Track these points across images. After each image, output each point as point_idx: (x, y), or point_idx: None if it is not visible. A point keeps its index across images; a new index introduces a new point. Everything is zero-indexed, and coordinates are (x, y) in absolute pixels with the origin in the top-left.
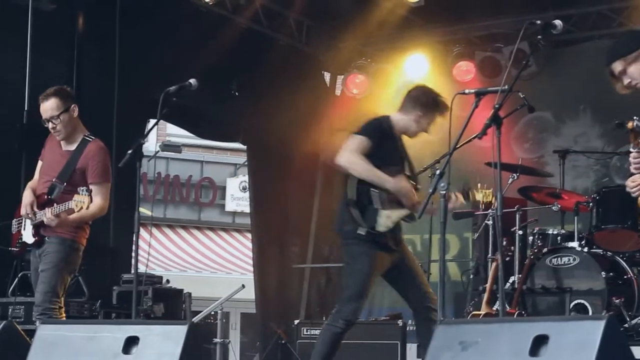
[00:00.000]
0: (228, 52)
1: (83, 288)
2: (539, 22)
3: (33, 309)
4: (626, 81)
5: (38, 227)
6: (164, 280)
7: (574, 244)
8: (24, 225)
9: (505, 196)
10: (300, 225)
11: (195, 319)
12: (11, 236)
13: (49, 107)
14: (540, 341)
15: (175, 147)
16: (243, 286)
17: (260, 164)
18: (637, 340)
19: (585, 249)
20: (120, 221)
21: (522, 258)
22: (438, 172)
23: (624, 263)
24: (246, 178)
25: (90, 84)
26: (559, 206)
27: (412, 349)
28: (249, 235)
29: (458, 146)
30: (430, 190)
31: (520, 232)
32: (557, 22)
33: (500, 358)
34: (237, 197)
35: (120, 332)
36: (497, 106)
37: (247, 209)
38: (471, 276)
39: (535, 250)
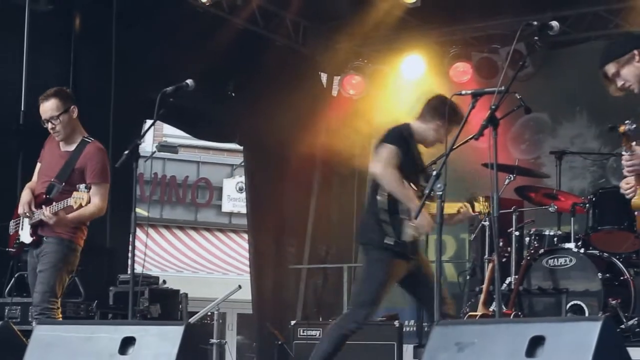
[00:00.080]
0: (225, 53)
1: (79, 288)
2: (535, 23)
3: (31, 309)
4: (619, 83)
5: (36, 227)
6: (161, 281)
7: (571, 245)
8: (22, 225)
9: (501, 197)
10: (297, 226)
11: (192, 320)
12: (8, 237)
13: (48, 107)
14: (536, 342)
15: (172, 148)
16: (239, 287)
17: (256, 165)
18: (633, 341)
19: (582, 250)
20: (117, 222)
21: (519, 259)
22: (434, 173)
23: (620, 264)
24: (243, 179)
25: (87, 84)
26: (556, 207)
27: (408, 349)
28: (246, 236)
29: (454, 147)
30: (427, 192)
31: (517, 233)
32: (554, 23)
33: (497, 359)
34: (234, 197)
35: (117, 332)
36: (493, 107)
37: (244, 210)
38: (468, 277)
39: (532, 251)
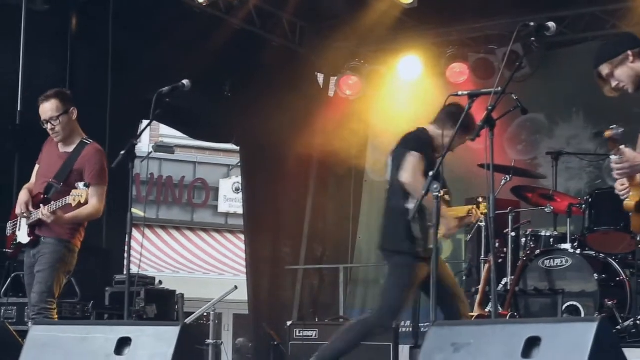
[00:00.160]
0: (221, 53)
1: (75, 289)
2: (532, 24)
3: (29, 309)
4: (614, 84)
5: (33, 227)
6: (157, 281)
7: (567, 246)
8: (19, 226)
9: (498, 198)
10: (293, 227)
11: (188, 320)
12: (5, 238)
13: (48, 108)
14: (532, 343)
15: (168, 148)
16: (236, 287)
17: (253, 165)
18: (629, 342)
19: (578, 251)
20: (113, 222)
21: (515, 260)
22: (431, 174)
23: (616, 265)
24: (239, 179)
25: (84, 84)
26: (552, 208)
27: (404, 350)
28: (242, 237)
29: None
30: (424, 192)
31: (513, 234)
32: (551, 24)
33: None
34: (230, 198)
35: (113, 333)
36: (490, 108)
37: (240, 210)
38: (464, 278)
39: (528, 252)
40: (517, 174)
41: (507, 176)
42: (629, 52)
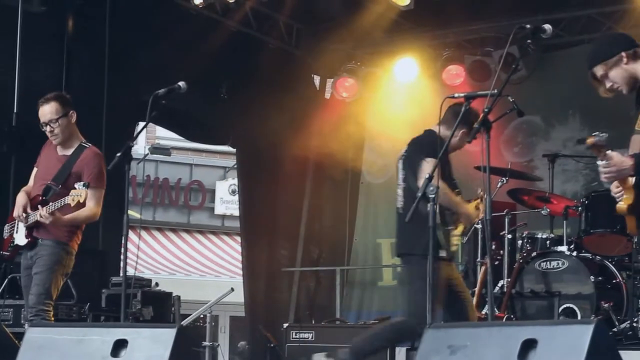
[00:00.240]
0: (217, 55)
1: (72, 291)
2: (528, 26)
3: (26, 311)
4: (608, 85)
5: (31, 229)
6: (153, 283)
7: (563, 248)
8: (17, 228)
9: (494, 200)
10: (290, 229)
11: (184, 322)
12: (2, 241)
13: (48, 110)
14: (528, 345)
15: (165, 150)
16: (232, 289)
17: (249, 167)
18: (625, 344)
19: (574, 253)
20: (109, 224)
21: (511, 262)
22: (427, 176)
23: (612, 267)
24: (235, 181)
25: (80, 86)
26: (548, 210)
27: (401, 352)
28: (238, 239)
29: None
30: (419, 194)
31: (510, 236)
32: (547, 26)
33: None
34: (227, 200)
35: (109, 335)
36: (486, 110)
37: (237, 212)
38: None
39: (524, 254)
40: (514, 176)
41: (503, 178)
42: (623, 54)
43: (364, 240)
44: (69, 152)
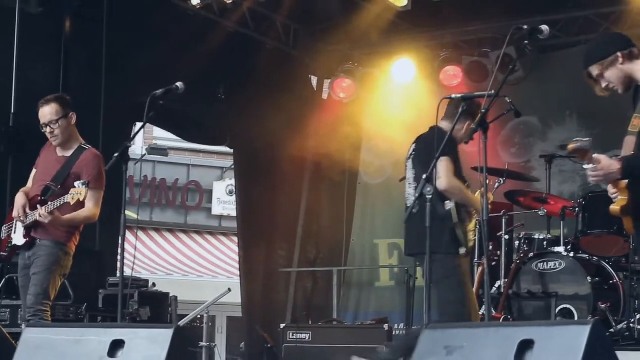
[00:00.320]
0: (215, 56)
1: (69, 291)
2: (525, 27)
3: (23, 311)
4: (604, 84)
5: (29, 229)
6: (150, 284)
7: (560, 249)
8: (15, 229)
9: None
10: (287, 229)
11: (181, 323)
12: (0, 242)
13: (48, 112)
14: (525, 346)
15: (162, 151)
16: (229, 290)
17: (247, 168)
18: (622, 345)
19: (571, 254)
20: (107, 224)
21: (508, 263)
22: (424, 177)
23: (609, 268)
24: (233, 181)
25: (77, 86)
26: (545, 211)
27: None
28: (236, 239)
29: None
30: (417, 195)
31: (507, 237)
32: (544, 27)
33: None
34: (224, 200)
35: (106, 335)
36: (483, 111)
37: (234, 213)
38: None
39: (522, 255)
40: (511, 176)
41: (500, 179)
42: (619, 54)
43: (361, 240)
44: (69, 153)
